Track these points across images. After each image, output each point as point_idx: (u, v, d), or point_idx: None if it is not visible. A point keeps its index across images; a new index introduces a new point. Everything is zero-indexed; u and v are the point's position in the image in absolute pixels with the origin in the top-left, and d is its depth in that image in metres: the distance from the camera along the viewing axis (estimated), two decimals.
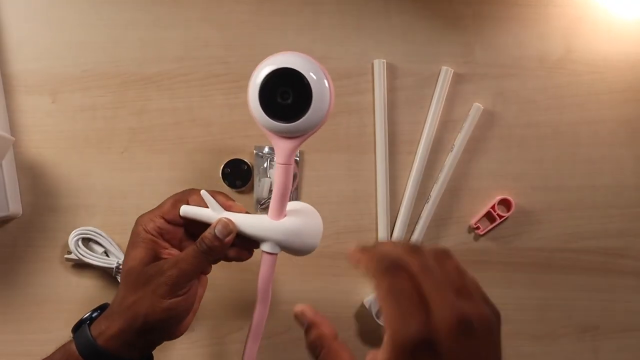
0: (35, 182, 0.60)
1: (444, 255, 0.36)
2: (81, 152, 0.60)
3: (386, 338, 0.33)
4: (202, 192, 0.48)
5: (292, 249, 0.48)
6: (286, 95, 0.44)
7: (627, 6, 0.62)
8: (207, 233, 0.47)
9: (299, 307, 0.43)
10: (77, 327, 0.49)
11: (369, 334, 0.62)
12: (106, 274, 0.60)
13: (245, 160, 0.61)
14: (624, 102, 0.62)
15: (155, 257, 0.48)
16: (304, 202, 0.61)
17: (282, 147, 0.47)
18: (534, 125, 0.62)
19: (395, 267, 0.33)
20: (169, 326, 0.48)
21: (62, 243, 0.60)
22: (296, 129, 0.45)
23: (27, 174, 0.60)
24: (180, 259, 0.46)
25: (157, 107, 0.60)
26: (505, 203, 0.62)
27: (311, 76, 0.44)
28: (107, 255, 0.59)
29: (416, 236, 0.61)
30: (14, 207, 0.58)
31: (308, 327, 0.42)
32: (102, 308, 0.51)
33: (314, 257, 0.61)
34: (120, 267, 0.58)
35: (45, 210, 0.60)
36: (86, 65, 0.60)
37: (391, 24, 0.61)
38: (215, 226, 0.46)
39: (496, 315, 0.34)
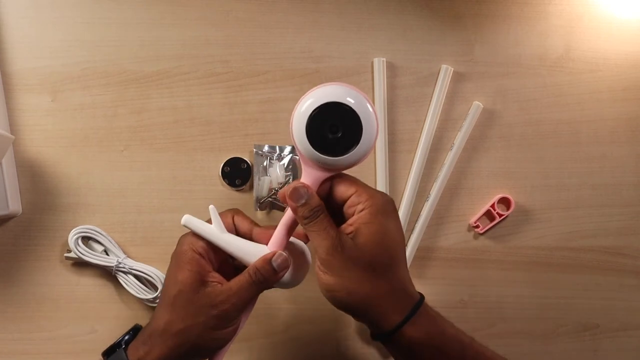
0: (35, 180, 0.60)
1: None
2: (81, 150, 0.60)
3: (365, 205, 0.44)
4: (210, 207, 0.47)
5: (280, 282, 0.48)
6: (335, 129, 0.44)
7: (627, 5, 0.62)
8: (264, 264, 0.46)
9: (290, 186, 0.45)
10: (110, 351, 0.48)
11: (368, 333, 0.62)
12: (106, 273, 0.60)
13: (245, 159, 0.61)
14: (624, 100, 0.62)
15: (202, 280, 0.46)
16: None
17: (313, 177, 0.46)
18: (533, 123, 0.62)
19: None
20: (213, 353, 0.48)
21: (62, 242, 0.60)
22: (341, 163, 0.44)
23: (27, 172, 0.60)
24: (233, 292, 0.45)
25: (157, 106, 0.60)
26: (504, 202, 0.62)
27: (363, 111, 0.43)
28: (107, 254, 0.59)
29: (416, 234, 0.61)
30: (14, 205, 0.58)
31: (309, 197, 0.45)
32: (134, 330, 0.50)
33: (313, 257, 0.61)
34: (121, 265, 0.58)
35: (45, 208, 0.60)
36: (86, 64, 0.60)
37: (391, 22, 0.61)
38: (274, 258, 0.46)
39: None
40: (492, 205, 0.61)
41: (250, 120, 0.61)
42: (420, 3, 0.61)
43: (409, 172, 0.62)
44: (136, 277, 0.59)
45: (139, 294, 0.59)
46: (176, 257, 0.47)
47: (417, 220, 0.62)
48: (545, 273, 0.62)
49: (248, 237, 0.48)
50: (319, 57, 0.61)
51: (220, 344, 0.47)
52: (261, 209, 0.61)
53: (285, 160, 0.61)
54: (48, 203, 0.60)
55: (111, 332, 0.60)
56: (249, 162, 0.61)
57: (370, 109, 0.44)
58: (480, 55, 0.61)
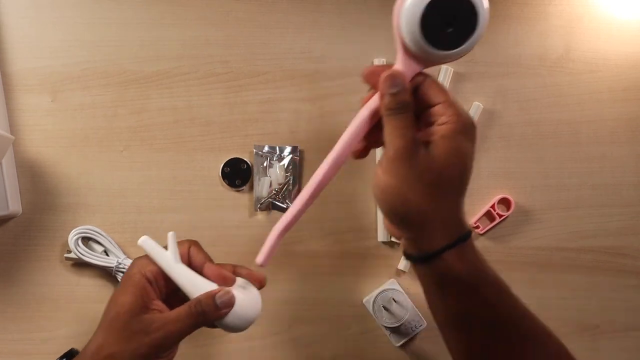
0: (35, 181, 0.60)
1: None
2: (81, 151, 0.60)
3: (450, 120, 0.41)
4: (170, 234, 0.46)
5: (221, 323, 0.45)
6: (450, 21, 0.40)
7: (627, 5, 0.62)
8: (207, 299, 0.44)
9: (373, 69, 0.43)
10: None
11: (369, 333, 0.62)
12: (106, 273, 0.60)
13: (245, 159, 0.61)
14: (624, 101, 0.62)
15: (143, 306, 0.44)
16: None
17: (409, 68, 0.43)
18: (533, 124, 0.62)
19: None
20: None
21: (62, 242, 0.60)
22: (449, 57, 0.42)
23: (27, 173, 0.60)
24: (170, 320, 0.43)
25: (157, 106, 0.60)
26: (505, 202, 0.62)
27: (478, 3, 0.40)
28: (107, 255, 0.59)
29: None
30: (14, 206, 0.58)
31: (399, 85, 0.41)
32: (69, 355, 0.48)
33: (314, 257, 0.61)
34: (120, 265, 0.58)
35: (45, 209, 0.60)
36: (86, 64, 0.60)
37: (390, 22, 0.61)
38: (219, 295, 0.44)
39: None
40: (492, 206, 0.61)
41: (250, 121, 0.61)
42: None
43: None
44: None
45: None
46: (124, 279, 0.46)
47: None
48: (545, 273, 0.62)
49: (199, 270, 0.46)
50: (319, 58, 0.61)
51: None
52: (261, 210, 0.61)
53: (285, 161, 0.61)
54: (48, 203, 0.60)
55: None
56: (249, 162, 0.61)
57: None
58: (480, 55, 0.61)
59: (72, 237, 0.58)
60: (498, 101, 0.62)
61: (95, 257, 0.58)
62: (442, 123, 0.41)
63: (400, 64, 0.42)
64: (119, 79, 0.60)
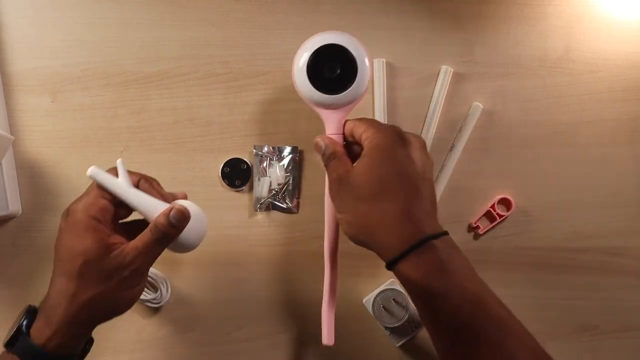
0: (35, 181, 0.60)
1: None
2: (81, 151, 0.60)
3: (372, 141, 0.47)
4: (118, 161, 0.48)
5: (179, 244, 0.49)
6: (333, 70, 0.50)
7: (627, 5, 0.62)
8: (163, 220, 0.46)
9: (318, 139, 0.51)
10: (12, 342, 0.46)
11: (369, 333, 0.62)
12: None
13: (245, 160, 0.61)
14: (624, 101, 0.62)
15: (106, 246, 0.45)
16: (304, 201, 0.61)
17: (331, 119, 0.52)
18: (533, 124, 0.62)
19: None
20: (125, 311, 0.48)
21: None
22: (343, 100, 0.51)
23: (27, 173, 0.60)
24: (139, 250, 0.46)
25: (157, 107, 0.60)
26: (505, 202, 0.62)
27: (354, 49, 0.50)
28: None
29: None
30: (14, 206, 0.58)
31: (328, 145, 0.50)
32: (30, 312, 0.47)
33: (314, 257, 0.61)
34: None
35: (45, 209, 0.60)
36: (86, 64, 0.60)
37: (391, 23, 0.61)
38: (172, 215, 0.46)
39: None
40: (492, 206, 0.61)
41: (250, 121, 0.61)
42: (420, 4, 0.61)
43: None
44: None
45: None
46: (70, 227, 0.46)
47: None
48: (545, 274, 0.62)
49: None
50: None
51: (131, 303, 0.48)
52: (261, 210, 0.61)
53: (285, 161, 0.61)
54: (48, 203, 0.60)
55: (112, 332, 0.60)
56: (248, 162, 0.61)
57: (364, 52, 0.51)
58: (480, 56, 0.61)
59: None
60: (498, 102, 0.62)
61: None
62: (364, 146, 0.48)
63: (324, 118, 0.52)
64: (119, 80, 0.60)
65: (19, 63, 0.60)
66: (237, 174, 0.61)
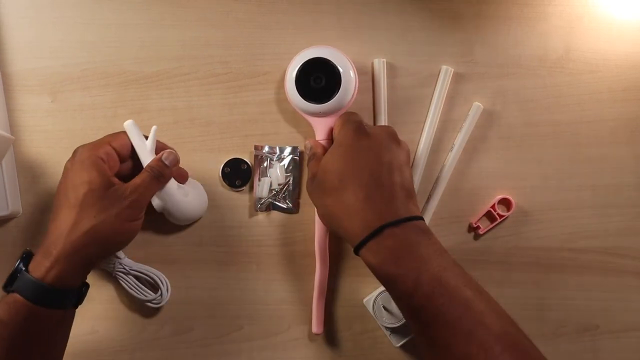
0: (35, 181, 0.60)
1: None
2: None
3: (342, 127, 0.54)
4: (154, 127, 0.53)
5: (182, 213, 0.56)
6: (318, 81, 0.56)
7: (626, 5, 0.62)
8: (158, 162, 0.52)
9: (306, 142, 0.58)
10: (10, 282, 0.47)
11: (369, 333, 0.62)
12: (106, 274, 0.60)
13: (245, 160, 0.61)
14: (624, 101, 0.62)
15: (109, 180, 0.50)
16: (304, 201, 0.61)
17: (320, 126, 0.58)
18: (533, 124, 0.62)
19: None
20: (121, 248, 0.53)
21: None
22: (329, 109, 0.57)
23: (27, 173, 0.60)
24: (138, 184, 0.51)
25: (157, 107, 0.60)
26: (505, 202, 0.62)
27: (339, 62, 0.56)
28: None
29: None
30: (14, 206, 0.58)
31: (313, 146, 0.57)
32: (26, 255, 0.49)
33: (313, 257, 0.61)
34: (120, 266, 0.58)
35: (45, 209, 0.60)
36: (86, 64, 0.60)
37: (391, 23, 0.61)
38: (165, 157, 0.53)
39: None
40: (493, 206, 0.61)
41: (250, 121, 0.61)
42: (420, 4, 0.61)
43: None
44: (136, 277, 0.59)
45: (139, 294, 0.59)
46: (77, 163, 0.49)
47: None
48: (545, 274, 0.62)
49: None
50: None
51: (129, 237, 0.52)
52: (261, 210, 0.61)
53: (286, 161, 0.61)
54: (48, 204, 0.60)
55: (112, 332, 0.60)
56: (249, 163, 0.61)
57: (349, 64, 0.57)
58: (481, 56, 0.61)
59: None
60: (498, 102, 0.62)
61: None
62: None
63: (315, 128, 0.58)
64: (119, 80, 0.60)
65: (19, 63, 0.60)
66: (237, 174, 0.61)
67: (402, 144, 0.53)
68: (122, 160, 0.53)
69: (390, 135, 0.53)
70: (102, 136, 0.60)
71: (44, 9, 0.60)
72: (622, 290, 0.63)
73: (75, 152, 0.51)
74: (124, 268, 0.58)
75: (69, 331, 0.51)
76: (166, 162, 0.53)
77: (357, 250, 0.48)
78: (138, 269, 0.59)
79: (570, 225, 0.62)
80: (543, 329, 0.62)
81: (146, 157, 0.53)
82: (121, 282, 0.59)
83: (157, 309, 0.61)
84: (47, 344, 0.48)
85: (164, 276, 0.59)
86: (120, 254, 0.59)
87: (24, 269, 0.47)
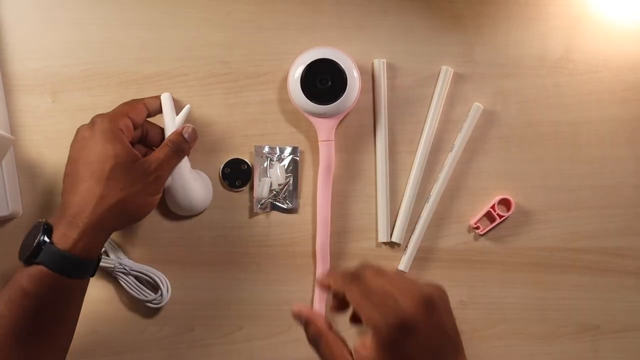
0: (36, 181, 0.60)
1: (377, 268, 0.42)
2: None
3: (371, 332, 0.38)
4: (187, 106, 0.57)
5: (185, 189, 0.57)
6: (324, 82, 0.56)
7: (627, 6, 0.62)
8: (178, 136, 0.54)
9: (295, 307, 0.44)
10: (34, 255, 0.46)
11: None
12: (106, 274, 0.60)
13: (245, 160, 0.61)
14: (624, 101, 0.62)
15: (133, 153, 0.50)
16: (304, 201, 0.61)
17: (323, 127, 0.58)
18: (533, 124, 0.62)
19: (358, 276, 0.41)
20: (140, 219, 0.54)
21: None
22: (334, 110, 0.57)
23: (28, 173, 0.60)
24: (162, 160, 0.52)
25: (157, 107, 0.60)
26: (505, 203, 0.62)
27: (344, 63, 0.56)
28: (108, 255, 0.59)
29: (416, 236, 0.61)
30: (14, 206, 0.58)
31: (306, 323, 0.44)
32: (46, 226, 0.47)
33: (314, 258, 0.61)
34: (120, 266, 0.58)
35: (46, 209, 0.60)
36: (86, 65, 0.60)
37: (391, 23, 0.61)
38: (184, 130, 0.55)
39: (442, 288, 0.40)
40: (493, 207, 0.61)
41: (250, 121, 0.61)
42: (420, 4, 0.61)
43: (409, 173, 0.62)
44: (136, 278, 0.59)
45: (139, 295, 0.59)
46: (97, 134, 0.50)
47: (417, 222, 0.62)
48: (545, 274, 0.62)
49: None
50: None
51: (148, 211, 0.53)
52: (261, 210, 0.61)
53: (286, 161, 0.61)
54: (48, 204, 0.60)
55: (112, 332, 0.60)
56: (249, 163, 0.61)
57: (353, 65, 0.57)
58: (481, 56, 0.61)
59: None
60: (498, 102, 0.62)
61: None
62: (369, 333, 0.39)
63: (317, 128, 0.59)
64: (119, 80, 0.60)
65: (19, 63, 0.60)
66: (237, 175, 0.61)
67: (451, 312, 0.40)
68: (136, 127, 0.54)
69: (447, 311, 0.40)
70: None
71: (44, 9, 0.60)
72: (622, 290, 0.63)
73: (93, 121, 0.51)
74: (124, 268, 0.58)
75: (83, 300, 0.52)
76: (185, 136, 0.54)
77: None
78: (138, 269, 0.59)
79: (570, 225, 0.62)
80: (543, 329, 0.62)
81: (171, 130, 0.56)
82: (121, 282, 0.59)
83: (158, 310, 0.61)
84: (68, 312, 0.50)
85: (164, 276, 0.59)
86: (121, 254, 0.59)
87: (48, 240, 0.47)
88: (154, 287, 0.59)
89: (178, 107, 0.58)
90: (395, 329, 0.37)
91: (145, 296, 0.59)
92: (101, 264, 0.58)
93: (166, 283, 0.59)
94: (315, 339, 0.42)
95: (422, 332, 0.37)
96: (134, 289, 0.59)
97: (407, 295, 0.37)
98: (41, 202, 0.60)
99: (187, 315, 0.61)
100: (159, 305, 0.60)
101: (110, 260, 0.58)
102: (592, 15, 0.62)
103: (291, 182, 0.61)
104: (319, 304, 0.60)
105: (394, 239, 0.61)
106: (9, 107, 0.59)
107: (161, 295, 0.59)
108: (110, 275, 0.59)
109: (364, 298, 0.39)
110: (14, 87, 0.60)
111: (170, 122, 0.56)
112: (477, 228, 0.61)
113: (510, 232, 0.62)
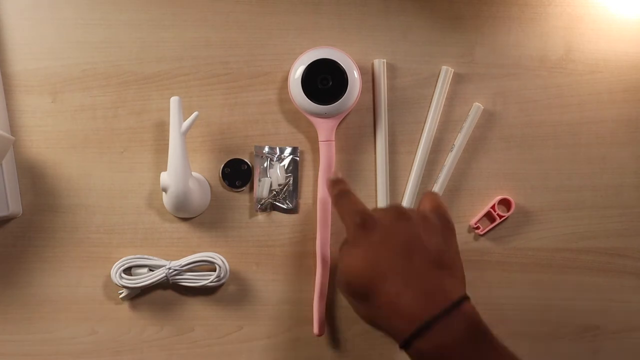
0: (35, 182, 0.60)
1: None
2: (81, 152, 0.60)
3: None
4: (195, 113, 0.56)
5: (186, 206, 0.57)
6: (325, 82, 0.56)
7: (627, 5, 0.62)
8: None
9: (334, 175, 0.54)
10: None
11: (370, 333, 0.62)
12: (106, 274, 0.60)
13: (245, 160, 0.61)
14: (624, 102, 0.62)
15: None
16: (304, 201, 0.61)
17: (323, 127, 0.58)
18: (534, 125, 0.62)
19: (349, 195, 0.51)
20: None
21: (62, 243, 0.60)
22: (334, 110, 0.57)
23: (27, 174, 0.60)
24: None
25: (157, 107, 0.60)
26: (505, 203, 0.62)
27: (344, 63, 0.57)
28: (152, 270, 0.59)
29: None
30: (14, 207, 0.58)
31: (338, 181, 0.53)
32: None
33: (314, 257, 0.61)
34: (172, 270, 0.58)
35: (46, 210, 0.60)
36: (86, 65, 0.60)
37: (391, 23, 0.61)
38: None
39: (443, 220, 0.49)
40: (493, 207, 0.61)
41: (250, 122, 0.61)
42: (420, 4, 0.61)
43: (409, 174, 0.62)
44: (190, 270, 0.59)
45: (203, 282, 0.58)
46: None
47: None
48: (545, 274, 0.62)
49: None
50: None
51: None
52: (261, 210, 0.61)
53: (286, 162, 0.61)
54: (48, 204, 0.60)
55: (112, 333, 0.60)
56: (249, 163, 0.61)
57: (354, 65, 0.58)
58: (481, 56, 0.61)
59: (116, 276, 0.58)
60: (498, 102, 0.62)
61: (146, 277, 0.58)
62: None
63: (318, 128, 0.59)
64: (119, 80, 0.60)
65: (19, 63, 0.60)
66: (237, 175, 0.61)
67: (412, 218, 0.47)
68: None
69: (398, 216, 0.47)
70: (102, 136, 0.60)
71: (44, 9, 0.60)
72: (622, 291, 0.63)
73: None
74: (176, 270, 0.58)
75: None
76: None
77: (403, 348, 0.43)
78: (187, 262, 0.58)
79: (570, 225, 0.62)
80: (543, 329, 0.62)
81: (175, 133, 0.55)
82: (182, 284, 0.59)
83: (157, 310, 0.61)
84: None
85: (212, 253, 0.59)
86: (163, 261, 0.59)
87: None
88: (209, 268, 0.59)
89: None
90: (358, 227, 0.46)
91: (208, 278, 0.58)
92: (155, 279, 0.58)
93: (218, 256, 0.58)
94: (344, 194, 0.51)
95: (383, 230, 0.46)
96: (195, 281, 0.58)
97: (384, 207, 0.48)
98: (41, 202, 0.60)
99: (187, 315, 0.61)
100: (224, 280, 0.59)
101: (160, 272, 0.58)
102: (592, 15, 0.62)
103: (291, 182, 0.61)
104: (319, 303, 0.60)
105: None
106: (9, 107, 0.59)
107: (220, 268, 0.58)
108: (109, 276, 0.59)
109: (343, 206, 0.50)
110: (14, 87, 0.60)
111: (177, 126, 0.55)
112: (477, 228, 0.61)
113: (510, 232, 0.62)
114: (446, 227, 0.48)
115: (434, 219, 0.48)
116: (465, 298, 0.44)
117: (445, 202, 0.52)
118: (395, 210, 0.48)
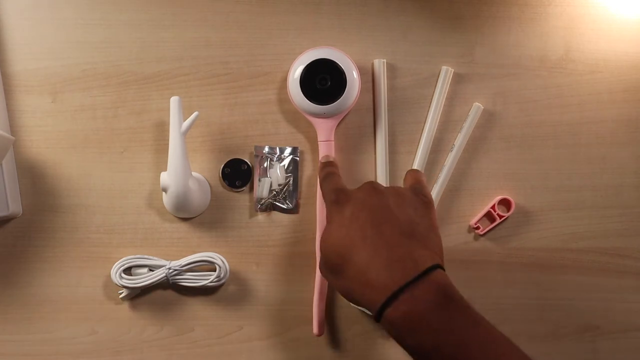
0: (35, 182, 0.60)
1: None
2: (81, 152, 0.60)
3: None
4: (195, 113, 0.56)
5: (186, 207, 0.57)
6: (324, 82, 0.56)
7: (627, 5, 0.62)
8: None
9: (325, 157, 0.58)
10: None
11: (370, 333, 0.62)
12: (106, 274, 0.60)
13: (245, 160, 0.61)
14: (624, 102, 0.62)
15: None
16: (304, 202, 0.61)
17: (322, 127, 0.58)
18: (534, 125, 0.62)
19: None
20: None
21: (62, 243, 0.60)
22: (333, 110, 0.57)
23: (27, 173, 0.60)
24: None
25: (157, 107, 0.60)
26: (505, 203, 0.62)
27: (343, 63, 0.56)
28: (152, 270, 0.59)
29: None
30: (14, 207, 0.58)
31: (328, 163, 0.56)
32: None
33: (314, 257, 0.61)
34: (172, 270, 0.58)
35: (46, 210, 0.60)
36: (86, 65, 0.60)
37: (391, 23, 0.61)
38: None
39: (420, 194, 0.50)
40: (493, 207, 0.61)
41: (250, 122, 0.61)
42: (420, 4, 0.61)
43: None
44: (191, 270, 0.59)
45: (203, 282, 0.58)
46: None
47: None
48: (545, 274, 0.62)
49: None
50: None
51: None
52: (261, 210, 0.61)
53: (286, 162, 0.61)
54: (48, 204, 0.60)
55: (112, 333, 0.60)
56: (249, 163, 0.61)
57: (353, 65, 0.58)
58: (481, 56, 0.61)
59: (116, 276, 0.58)
60: (498, 102, 0.62)
61: (146, 277, 0.58)
62: None
63: (317, 128, 0.59)
64: (119, 80, 0.60)
65: (19, 63, 0.60)
66: (237, 175, 0.61)
67: (384, 192, 0.48)
68: None
69: (370, 190, 0.48)
70: (102, 136, 0.60)
71: (44, 9, 0.60)
72: (622, 291, 0.63)
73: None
74: (176, 270, 0.58)
75: None
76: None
77: (376, 319, 0.43)
78: (188, 262, 0.58)
79: (570, 225, 0.62)
80: (543, 329, 0.62)
81: (175, 133, 0.55)
82: (182, 284, 0.59)
83: (157, 310, 0.61)
84: None
85: (212, 252, 0.59)
86: (163, 261, 0.59)
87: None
88: (209, 268, 0.59)
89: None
90: (332, 203, 0.49)
91: (208, 278, 0.58)
92: (155, 279, 0.58)
93: (218, 256, 0.58)
94: (328, 175, 0.53)
95: (354, 204, 0.47)
96: (195, 281, 0.58)
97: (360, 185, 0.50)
98: (41, 202, 0.60)
99: (187, 315, 0.61)
100: (224, 280, 0.59)
101: (160, 272, 0.58)
102: (592, 15, 0.62)
103: (291, 182, 0.61)
104: (319, 303, 0.60)
105: None
106: (9, 107, 0.59)
107: (220, 268, 0.58)
108: (109, 276, 0.59)
109: (324, 187, 0.52)
110: (14, 87, 0.60)
111: (177, 126, 0.55)
112: (477, 228, 0.61)
113: (510, 232, 0.62)
114: (421, 201, 0.49)
115: (409, 193, 0.49)
116: (437, 267, 0.42)
117: (425, 178, 0.54)
118: (369, 186, 0.49)
